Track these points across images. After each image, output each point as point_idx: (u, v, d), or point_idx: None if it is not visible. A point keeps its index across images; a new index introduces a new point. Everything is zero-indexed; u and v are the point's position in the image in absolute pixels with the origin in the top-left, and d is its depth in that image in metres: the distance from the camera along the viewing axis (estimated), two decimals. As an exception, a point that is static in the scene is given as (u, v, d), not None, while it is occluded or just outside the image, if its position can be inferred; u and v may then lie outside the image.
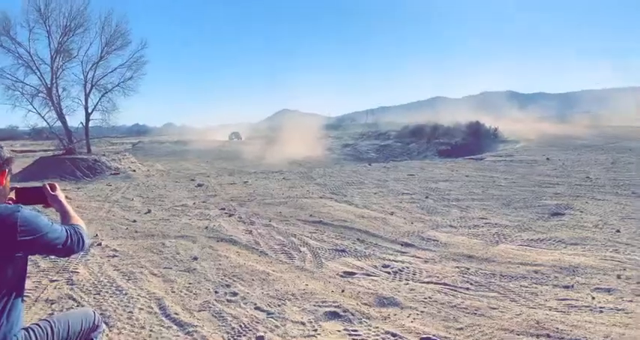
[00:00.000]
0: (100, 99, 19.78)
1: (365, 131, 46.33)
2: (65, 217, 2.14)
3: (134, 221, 7.53)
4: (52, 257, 5.19)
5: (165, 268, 5.02)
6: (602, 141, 21.58)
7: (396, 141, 34.21)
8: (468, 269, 4.76)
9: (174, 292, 4.29)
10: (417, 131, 33.64)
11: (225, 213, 8.00)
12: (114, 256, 5.47)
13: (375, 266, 4.93)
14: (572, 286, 4.20)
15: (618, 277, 4.37)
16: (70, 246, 1.97)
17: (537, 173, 12.13)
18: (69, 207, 2.18)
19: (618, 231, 6.03)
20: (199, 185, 11.99)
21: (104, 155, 18.08)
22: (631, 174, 11.21)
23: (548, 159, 15.54)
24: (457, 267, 4.83)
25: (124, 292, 4.29)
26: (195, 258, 5.34)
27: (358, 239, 6.12)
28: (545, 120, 39.70)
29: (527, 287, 4.22)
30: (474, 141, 25.97)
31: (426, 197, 9.06)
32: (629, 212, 7.11)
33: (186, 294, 4.22)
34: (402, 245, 5.78)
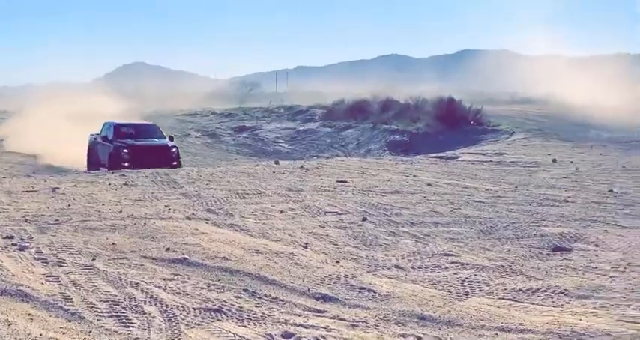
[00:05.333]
0: None
1: (273, 106, 46.42)
2: None
3: None
4: None
5: None
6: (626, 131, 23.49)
7: (322, 124, 34.69)
8: (420, 338, 4.92)
9: None
10: (357, 109, 34.46)
11: (13, 245, 7.71)
12: None
13: (270, 337, 4.95)
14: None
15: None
16: None
17: (537, 183, 12.94)
18: None
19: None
20: (-32, 193, 11.41)
21: None
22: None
23: (555, 160, 16.67)
24: (402, 336, 4.97)
25: None
26: (-50, 327, 5.02)
27: (246, 289, 6.11)
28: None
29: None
30: (444, 130, 27.20)
31: (364, 219, 9.30)
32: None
33: None
34: (317, 299, 5.85)
